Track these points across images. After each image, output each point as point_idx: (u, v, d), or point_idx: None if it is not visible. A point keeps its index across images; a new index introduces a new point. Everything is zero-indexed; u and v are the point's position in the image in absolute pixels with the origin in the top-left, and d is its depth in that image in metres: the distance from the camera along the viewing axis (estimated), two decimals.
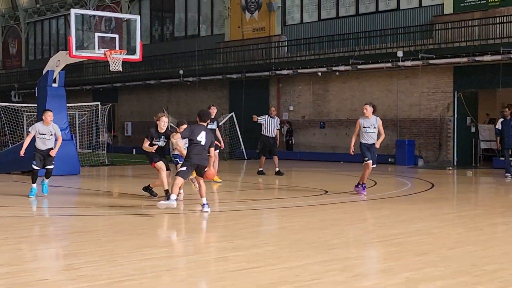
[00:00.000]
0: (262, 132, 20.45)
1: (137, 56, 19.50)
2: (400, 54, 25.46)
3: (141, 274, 6.75)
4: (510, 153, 19.96)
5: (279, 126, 20.78)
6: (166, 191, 12.58)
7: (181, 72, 34.26)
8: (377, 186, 16.99)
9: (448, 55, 24.78)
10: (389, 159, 26.41)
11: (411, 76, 26.44)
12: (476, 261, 7.56)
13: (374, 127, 14.28)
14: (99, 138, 28.33)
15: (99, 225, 10.70)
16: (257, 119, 20.59)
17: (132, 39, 21.47)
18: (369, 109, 14.37)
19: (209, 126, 16.41)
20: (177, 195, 11.61)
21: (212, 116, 17.49)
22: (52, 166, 13.94)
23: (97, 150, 27.53)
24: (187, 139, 11.68)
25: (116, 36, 19.27)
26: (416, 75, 26.03)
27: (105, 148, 27.06)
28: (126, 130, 39.44)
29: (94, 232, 9.70)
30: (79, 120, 28.41)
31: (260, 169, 20.34)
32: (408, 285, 6.37)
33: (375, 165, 14.56)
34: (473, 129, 25.50)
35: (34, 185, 13.86)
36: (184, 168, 11.41)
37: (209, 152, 11.58)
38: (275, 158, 20.36)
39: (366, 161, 14.27)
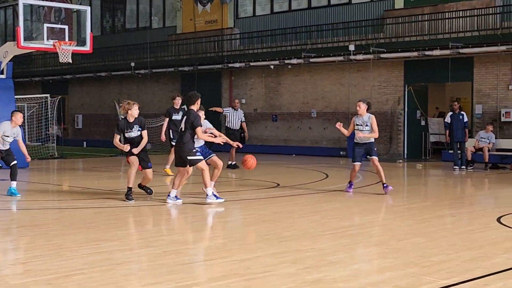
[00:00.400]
0: (226, 125, 20.36)
1: (87, 48, 19.28)
2: (351, 47, 25.67)
3: (90, 268, 6.66)
4: (458, 146, 20.33)
5: (243, 118, 20.62)
6: (129, 189, 12.19)
7: (132, 64, 33.94)
8: (329, 179, 17.12)
9: (398, 49, 25.09)
10: (341, 152, 26.63)
11: (362, 70, 26.68)
12: (425, 252, 7.67)
13: (367, 125, 13.49)
14: (48, 131, 27.88)
15: (48, 219, 10.52)
16: (223, 110, 20.56)
17: (82, 31, 21.24)
18: (362, 106, 13.62)
19: (173, 117, 16.30)
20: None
21: (177, 107, 17.35)
22: (15, 162, 13.30)
23: (46, 143, 27.09)
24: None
25: (66, 27, 19.01)
26: (368, 69, 26.29)
27: (55, 141, 26.63)
28: (76, 123, 38.91)
29: (42, 226, 9.53)
30: (28, 113, 27.89)
31: (230, 162, 19.85)
32: (358, 276, 6.42)
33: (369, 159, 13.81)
34: (423, 123, 25.86)
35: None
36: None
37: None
38: (233, 150, 19.61)
39: (352, 162, 13.78)
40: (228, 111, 20.40)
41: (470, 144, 20.87)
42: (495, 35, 22.96)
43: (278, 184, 15.49)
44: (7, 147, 13.22)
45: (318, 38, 27.86)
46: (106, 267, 6.77)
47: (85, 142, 35.67)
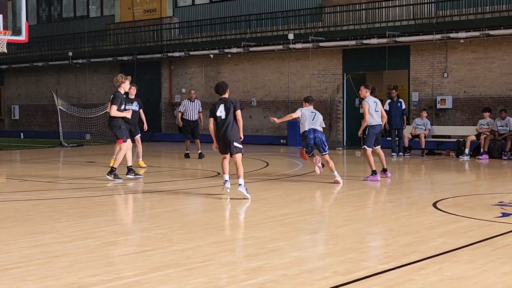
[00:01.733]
0: (183, 116, 20.14)
1: (23, 37, 18.84)
2: (291, 36, 25.80)
3: (27, 261, 6.57)
4: (396, 133, 20.70)
5: (201, 109, 20.43)
6: (113, 168, 13.73)
7: (70, 54, 33.37)
8: (269, 167, 17.22)
9: (337, 38, 25.33)
10: (281, 140, 26.79)
11: (302, 59, 26.86)
12: (363, 238, 7.81)
13: (376, 110, 14.60)
14: None
15: None
16: (179, 110, 20.46)
17: (17, 20, 20.68)
18: (363, 91, 14.76)
19: (128, 107, 15.75)
20: None
21: (132, 96, 17.02)
22: None
23: None
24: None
25: (0, 16, 18.54)
26: (307, 58, 26.47)
27: None
28: (13, 114, 38.08)
29: None
30: None
31: (187, 152, 20.15)
32: (297, 263, 6.50)
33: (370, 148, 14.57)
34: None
35: None
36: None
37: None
38: (197, 141, 20.10)
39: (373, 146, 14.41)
40: (183, 105, 20.27)
41: (407, 131, 21.28)
42: (430, 23, 23.39)
43: (218, 173, 15.51)
44: None
45: (258, 27, 27.90)
46: (44, 260, 6.68)
47: (22, 133, 34.96)
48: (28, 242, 7.59)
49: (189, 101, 20.29)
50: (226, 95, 11.73)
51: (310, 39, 25.55)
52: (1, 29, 17.95)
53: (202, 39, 29.55)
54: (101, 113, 28.52)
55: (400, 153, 20.51)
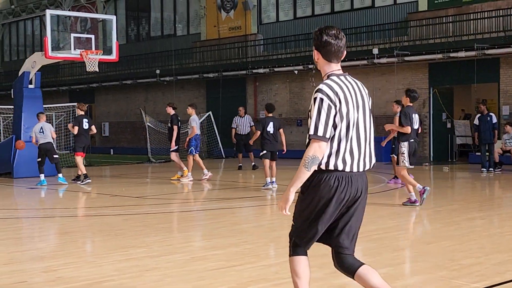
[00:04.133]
0: (236, 132, 22.30)
1: (113, 56, 19.43)
2: (375, 51, 25.61)
3: (120, 275, 6.75)
4: (486, 148, 20.18)
5: (252, 123, 22.26)
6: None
7: (157, 71, 34.16)
8: None
9: (423, 51, 24.96)
10: None
11: (386, 73, 26.60)
12: (453, 256, 7.64)
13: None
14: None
15: (77, 226, 10.65)
16: (233, 128, 22.45)
17: (108, 39, 21.41)
18: (395, 106, 15.70)
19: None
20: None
21: (172, 112, 17.99)
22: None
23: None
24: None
25: (92, 36, 19.19)
26: (392, 72, 26.19)
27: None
28: (103, 131, 39.23)
29: (72, 233, 9.65)
30: (56, 121, 28.21)
31: (240, 164, 22.09)
32: (386, 281, 6.41)
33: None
34: (448, 125, 25.71)
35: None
36: (265, 152, 15.11)
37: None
38: (251, 154, 21.81)
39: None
40: (234, 122, 22.46)
41: (498, 146, 20.71)
42: None
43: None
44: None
45: None
46: (136, 273, 6.84)
47: (112, 150, 35.96)
48: (120, 256, 7.79)
49: (239, 117, 22.34)
50: (272, 114, 15.39)
51: (395, 53, 25.27)
52: (93, 49, 18.57)
53: (286, 55, 29.70)
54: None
55: (491, 169, 19.96)
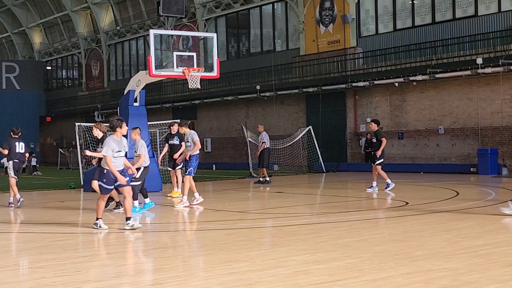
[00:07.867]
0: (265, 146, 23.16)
1: (214, 73, 19.76)
2: (479, 61, 24.95)
3: None
4: None
5: (263, 140, 23.20)
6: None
7: (258, 87, 34.53)
8: (459, 196, 16.66)
9: None
10: (471, 169, 25.86)
11: (491, 83, 25.85)
12: None
13: None
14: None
15: (182, 241, 10.88)
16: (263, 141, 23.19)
17: (209, 57, 21.80)
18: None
19: (170, 142, 18.16)
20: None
21: (174, 132, 18.08)
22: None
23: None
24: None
25: (194, 54, 19.61)
26: (497, 82, 25.44)
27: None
28: (206, 146, 39.97)
29: (176, 248, 9.88)
30: (160, 138, 28.96)
31: (267, 178, 23.16)
32: None
33: None
34: None
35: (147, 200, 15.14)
36: None
37: None
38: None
39: None
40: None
41: None
42: None
43: (407, 203, 15.25)
44: None
45: (444, 53, 27.28)
46: (240, 287, 6.92)
47: (214, 165, 36.57)
48: (224, 270, 7.89)
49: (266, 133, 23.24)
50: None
51: (500, 63, 24.54)
52: (195, 66, 18.97)
53: (386, 68, 29.40)
54: (288, 144, 29.17)
55: None
